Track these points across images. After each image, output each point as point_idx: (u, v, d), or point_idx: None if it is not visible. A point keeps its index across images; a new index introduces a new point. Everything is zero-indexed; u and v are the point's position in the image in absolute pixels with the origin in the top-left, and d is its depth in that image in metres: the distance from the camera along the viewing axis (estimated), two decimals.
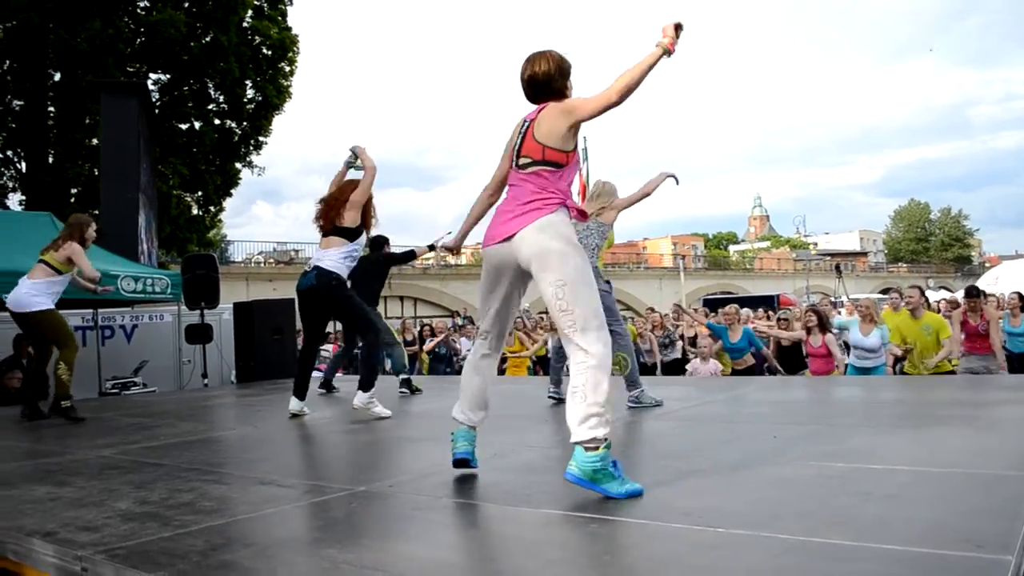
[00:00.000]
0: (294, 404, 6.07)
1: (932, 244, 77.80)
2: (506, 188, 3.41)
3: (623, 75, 3.06)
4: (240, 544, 2.51)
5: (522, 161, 3.29)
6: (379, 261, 7.86)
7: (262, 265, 35.51)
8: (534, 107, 3.40)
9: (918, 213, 79.87)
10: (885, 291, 14.15)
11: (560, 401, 5.81)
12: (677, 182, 5.96)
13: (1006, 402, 5.19)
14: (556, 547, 2.40)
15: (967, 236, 79.26)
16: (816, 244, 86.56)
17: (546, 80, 3.36)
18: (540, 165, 3.25)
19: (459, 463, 3.37)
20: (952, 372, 8.18)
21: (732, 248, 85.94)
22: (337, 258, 5.99)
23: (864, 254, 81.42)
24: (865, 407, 5.44)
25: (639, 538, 2.46)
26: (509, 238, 3.19)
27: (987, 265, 56.64)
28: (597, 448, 2.89)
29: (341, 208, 5.99)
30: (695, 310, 13.15)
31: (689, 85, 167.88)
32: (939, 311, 10.83)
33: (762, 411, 5.35)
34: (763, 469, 3.26)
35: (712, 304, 18.31)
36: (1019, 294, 9.80)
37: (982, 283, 21.95)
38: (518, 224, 3.18)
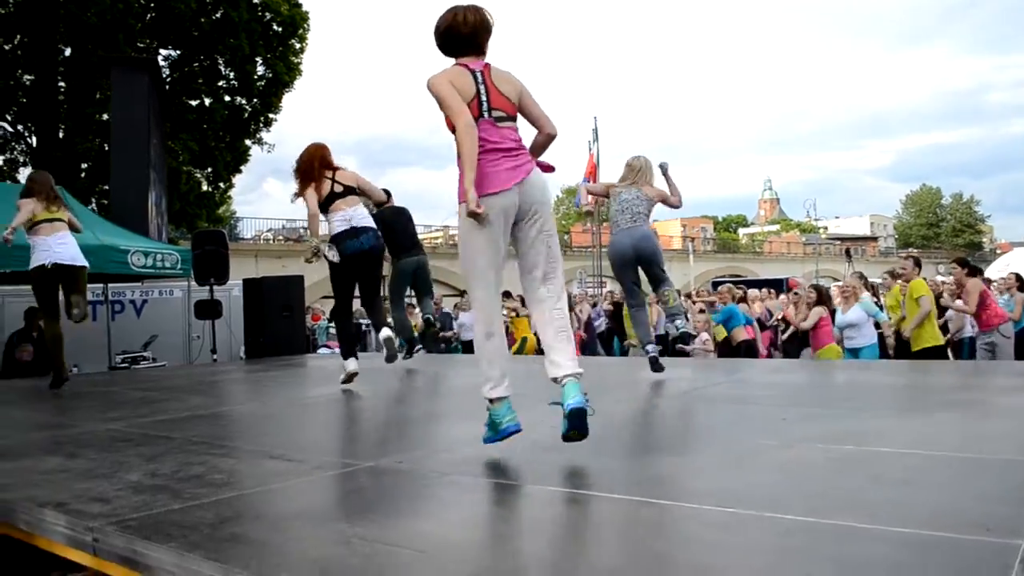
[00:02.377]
0: (353, 364, 6.05)
1: (943, 230, 77.31)
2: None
3: (547, 136, 3.52)
4: (250, 517, 2.53)
5: (496, 114, 3.29)
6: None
7: (271, 242, 35.55)
8: (465, 60, 3.35)
9: (929, 198, 79.34)
10: (894, 274, 14.06)
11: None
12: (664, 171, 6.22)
13: (1012, 389, 5.17)
14: (566, 525, 2.42)
15: (978, 222, 78.75)
16: (826, 228, 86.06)
17: (489, 32, 3.43)
18: (512, 121, 3.36)
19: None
20: (940, 347, 8.20)
21: (742, 231, 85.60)
22: (370, 217, 6.06)
23: (874, 239, 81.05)
24: (869, 390, 5.42)
25: (649, 517, 2.46)
26: (519, 183, 3.22)
27: (998, 252, 56.29)
28: None
29: (334, 169, 6.04)
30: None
31: (701, 67, 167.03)
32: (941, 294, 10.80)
33: (768, 393, 5.35)
34: (772, 451, 3.25)
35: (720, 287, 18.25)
36: (1016, 275, 9.77)
37: (993, 269, 21.83)
38: (523, 171, 3.25)
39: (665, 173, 6.27)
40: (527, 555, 2.19)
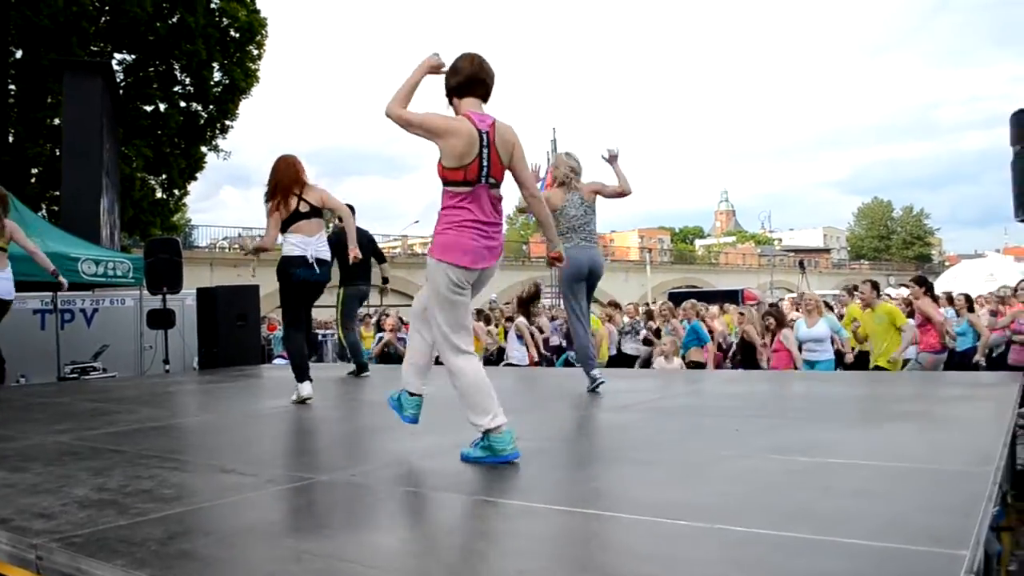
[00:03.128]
0: (307, 389, 5.91)
1: (894, 242, 78.95)
2: (470, 199, 3.39)
3: (545, 212, 3.78)
4: (200, 532, 2.49)
5: (491, 181, 3.44)
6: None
7: (227, 250, 35.14)
8: (475, 110, 3.47)
9: (880, 211, 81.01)
10: (853, 289, 14.33)
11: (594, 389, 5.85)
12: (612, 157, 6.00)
13: (960, 399, 5.28)
14: (519, 537, 2.41)
15: (928, 235, 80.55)
16: (781, 240, 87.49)
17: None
18: (499, 188, 3.46)
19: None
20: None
21: (698, 242, 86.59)
22: (328, 248, 6.01)
23: (827, 251, 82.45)
24: (824, 402, 5.50)
25: (601, 529, 2.46)
26: (493, 262, 3.49)
27: (946, 264, 57.63)
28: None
29: (303, 185, 5.95)
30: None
31: (660, 81, 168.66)
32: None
33: (725, 404, 5.40)
34: (726, 462, 3.29)
35: (677, 298, 18.42)
36: (965, 295, 10.01)
37: (941, 281, 22.35)
38: (496, 254, 3.49)
39: (614, 161, 6.03)
40: (478, 569, 2.18)
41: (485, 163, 3.37)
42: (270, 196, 5.93)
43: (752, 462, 3.26)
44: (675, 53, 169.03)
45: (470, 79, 3.50)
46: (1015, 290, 9.22)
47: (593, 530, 2.46)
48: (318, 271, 5.92)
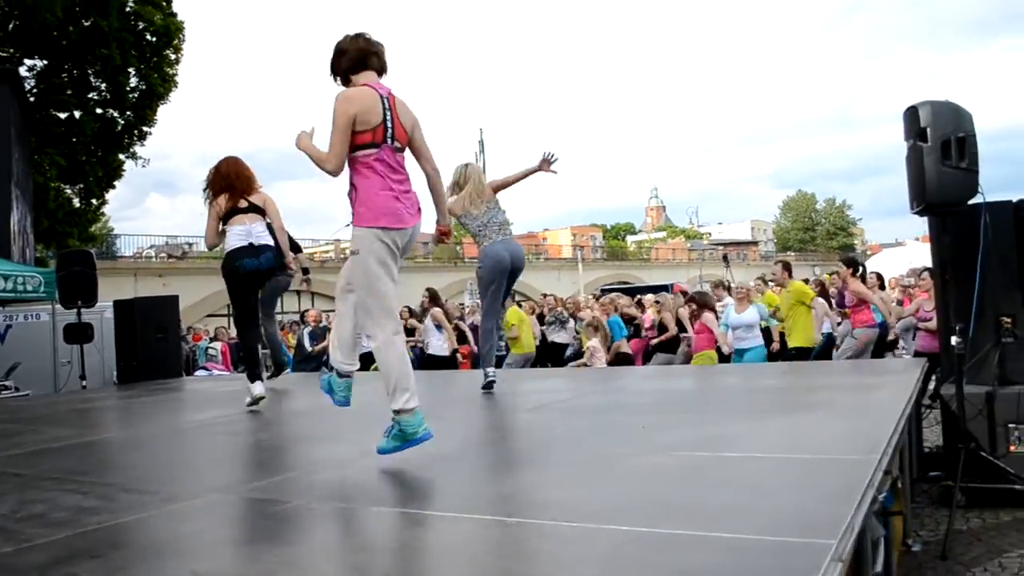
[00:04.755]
0: (259, 388, 5.81)
1: (818, 233, 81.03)
2: (379, 162, 3.45)
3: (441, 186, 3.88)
4: (86, 556, 2.43)
5: (396, 145, 3.51)
6: None
7: (153, 259, 34.29)
8: (371, 80, 3.55)
9: (805, 204, 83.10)
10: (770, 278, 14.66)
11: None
12: (553, 170, 6.08)
13: (865, 387, 5.47)
14: (413, 548, 2.43)
15: (851, 225, 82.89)
16: (710, 234, 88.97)
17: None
18: (403, 153, 3.55)
19: None
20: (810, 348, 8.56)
21: (630, 239, 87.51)
22: (270, 234, 5.99)
23: (755, 243, 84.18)
24: (739, 395, 5.65)
25: (491, 534, 2.48)
26: (416, 221, 3.53)
27: (868, 253, 59.29)
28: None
29: (253, 189, 5.93)
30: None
31: (587, 78, 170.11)
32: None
33: (637, 401, 5.49)
34: (628, 460, 3.35)
35: (610, 294, 18.62)
36: (877, 274, 10.35)
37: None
38: (417, 215, 3.54)
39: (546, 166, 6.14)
40: None
41: (389, 125, 3.45)
42: (213, 195, 5.91)
43: (652, 459, 3.33)
44: (602, 53, 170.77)
45: (361, 54, 3.57)
46: (919, 277, 9.54)
47: (487, 535, 2.48)
48: (264, 257, 5.86)
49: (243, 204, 5.85)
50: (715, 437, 3.74)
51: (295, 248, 8.28)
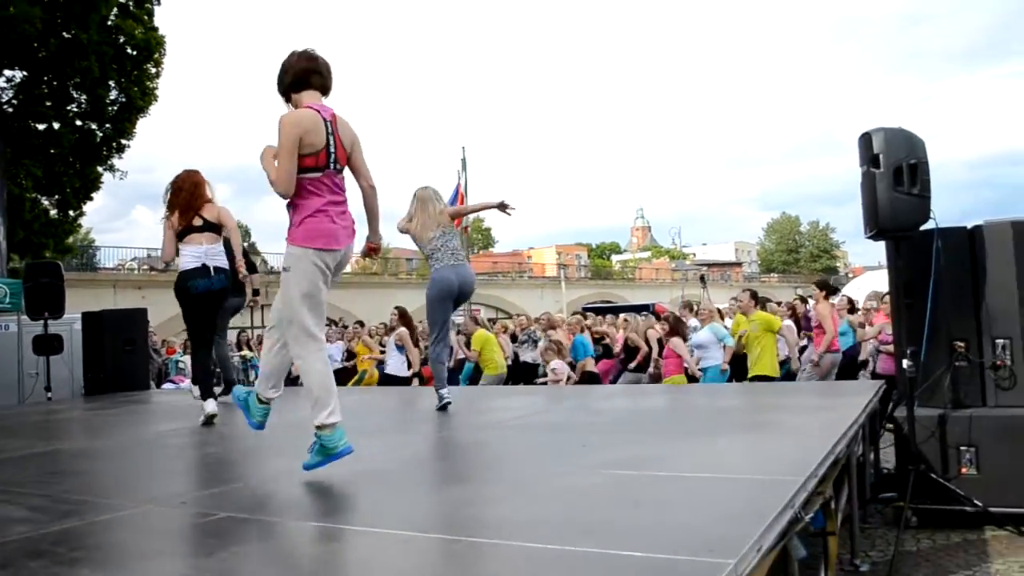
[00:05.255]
0: (211, 406, 5.81)
1: (802, 255, 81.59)
2: (321, 185, 3.52)
3: (371, 190, 3.80)
4: None
5: (338, 166, 3.58)
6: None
7: (135, 271, 34.16)
8: (315, 102, 3.59)
9: (789, 226, 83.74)
10: (763, 300, 14.66)
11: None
12: (508, 212, 6.18)
13: (814, 408, 5.51)
14: (322, 561, 2.44)
15: (834, 248, 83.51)
16: (695, 254, 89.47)
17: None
18: (342, 173, 3.61)
19: None
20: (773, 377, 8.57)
21: (615, 258, 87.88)
22: (225, 256, 5.97)
23: (739, 264, 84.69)
24: (690, 414, 5.69)
25: (397, 550, 2.49)
26: (350, 241, 3.61)
27: (850, 276, 59.70)
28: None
29: (204, 203, 5.93)
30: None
31: (573, 97, 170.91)
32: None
33: (592, 420, 5.52)
34: (557, 478, 3.37)
35: (592, 312, 18.66)
36: (848, 297, 10.44)
37: (846, 292, 23.13)
38: (351, 234, 3.61)
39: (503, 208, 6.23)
40: None
41: (332, 149, 3.51)
42: (168, 211, 5.94)
43: (580, 478, 3.35)
44: (589, 72, 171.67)
45: (304, 73, 3.61)
46: (880, 300, 9.64)
47: (390, 551, 2.50)
48: (216, 279, 5.88)
49: (198, 222, 5.87)
50: (650, 457, 3.77)
51: (251, 268, 8.26)
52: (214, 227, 5.94)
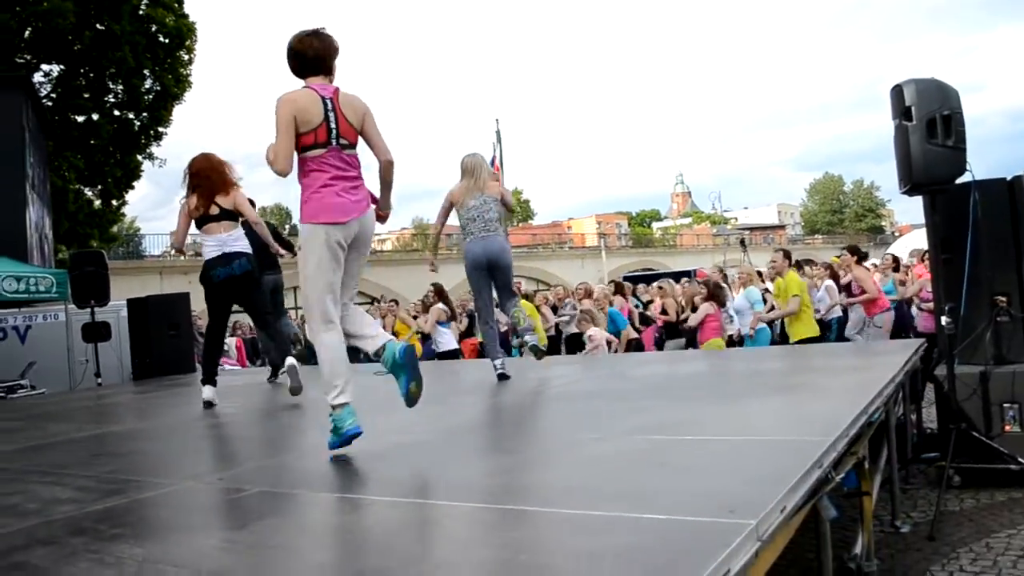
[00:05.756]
0: (209, 392, 5.94)
1: (846, 215, 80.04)
2: (325, 162, 3.53)
3: (386, 164, 3.77)
4: (40, 544, 2.53)
5: (343, 142, 3.56)
6: None
7: (183, 258, 34.70)
8: (318, 83, 3.59)
9: (832, 186, 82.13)
10: (805, 262, 14.46)
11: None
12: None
13: (851, 369, 5.44)
14: (339, 531, 2.50)
15: (879, 207, 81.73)
16: (736, 219, 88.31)
17: (335, 56, 3.70)
18: (355, 148, 3.60)
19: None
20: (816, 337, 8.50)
21: (655, 225, 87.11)
22: (246, 240, 6.01)
23: (782, 227, 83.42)
24: (727, 378, 5.66)
25: (422, 517, 2.55)
26: (357, 218, 3.56)
27: (897, 234, 58.57)
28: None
29: (228, 189, 5.97)
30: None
31: (608, 65, 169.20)
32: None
33: (628, 387, 5.51)
34: (587, 446, 3.39)
35: (633, 280, 18.59)
36: (892, 255, 10.27)
37: (892, 250, 22.74)
38: (363, 206, 3.60)
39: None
40: (302, 567, 2.25)
41: (333, 125, 3.51)
42: (188, 194, 6.00)
43: (609, 444, 3.36)
44: (625, 38, 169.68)
45: (309, 62, 3.62)
46: (921, 258, 9.47)
47: (414, 518, 2.56)
48: (237, 264, 5.95)
49: (215, 211, 5.91)
50: (678, 421, 3.76)
51: (286, 246, 8.29)
52: (231, 215, 5.99)
